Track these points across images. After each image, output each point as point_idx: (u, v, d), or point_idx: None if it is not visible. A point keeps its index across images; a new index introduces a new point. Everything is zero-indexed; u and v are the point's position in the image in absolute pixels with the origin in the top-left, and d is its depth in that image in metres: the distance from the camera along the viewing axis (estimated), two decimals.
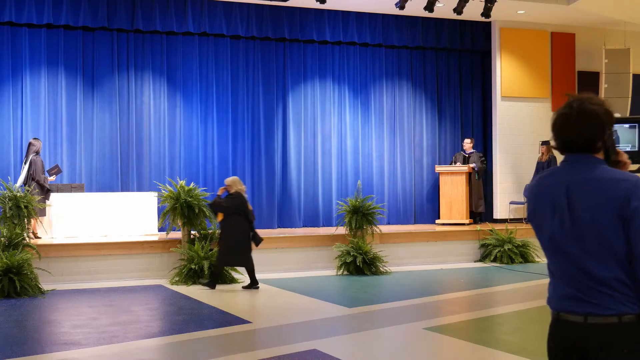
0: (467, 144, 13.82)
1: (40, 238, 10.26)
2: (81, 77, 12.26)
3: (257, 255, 10.63)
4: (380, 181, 14.05)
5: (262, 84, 13.32)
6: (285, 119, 13.48)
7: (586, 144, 2.43)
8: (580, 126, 2.42)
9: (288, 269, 10.83)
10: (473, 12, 12.71)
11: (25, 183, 10.33)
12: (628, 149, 12.70)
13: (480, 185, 13.82)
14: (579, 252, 2.37)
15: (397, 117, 14.28)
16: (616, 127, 3.60)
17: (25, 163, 10.62)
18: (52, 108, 12.10)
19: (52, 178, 10.59)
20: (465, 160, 13.71)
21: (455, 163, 13.82)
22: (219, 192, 9.36)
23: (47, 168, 10.92)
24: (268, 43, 13.37)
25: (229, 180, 9.43)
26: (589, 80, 14.47)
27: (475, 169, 13.55)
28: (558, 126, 2.48)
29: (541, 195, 2.50)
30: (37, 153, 10.61)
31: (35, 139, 10.87)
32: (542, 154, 13.26)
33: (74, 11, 11.96)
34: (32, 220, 10.02)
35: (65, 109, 12.15)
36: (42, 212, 10.27)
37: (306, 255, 11.04)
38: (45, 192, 10.44)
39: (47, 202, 10.46)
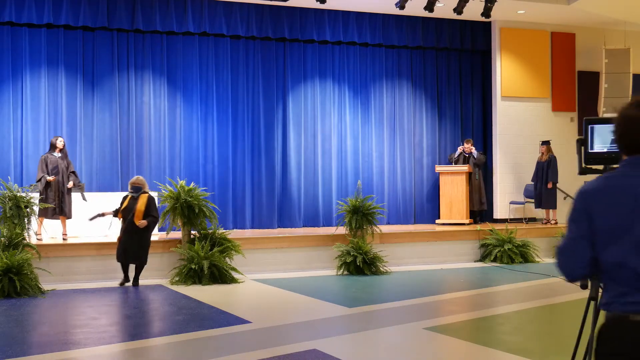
0: (468, 148, 13.78)
1: (40, 240, 10.19)
2: (81, 77, 12.27)
3: (258, 255, 10.66)
4: (380, 181, 14.06)
5: (262, 84, 13.32)
6: (285, 119, 13.48)
7: None
8: None
9: (288, 269, 10.83)
10: (473, 12, 12.71)
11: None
12: None
13: (481, 183, 13.83)
14: None
15: (397, 117, 14.29)
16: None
17: None
18: (52, 108, 12.10)
19: (51, 179, 10.39)
20: (465, 160, 13.71)
21: (455, 161, 13.79)
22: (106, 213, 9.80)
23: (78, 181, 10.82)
24: (268, 43, 13.37)
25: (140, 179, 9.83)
26: (589, 80, 14.48)
27: (476, 159, 13.53)
28: (632, 127, 2.48)
29: (613, 197, 2.48)
30: (53, 151, 10.50)
31: (54, 137, 10.75)
32: (542, 154, 13.26)
33: (74, 11, 11.96)
34: (38, 221, 10.04)
35: (65, 109, 12.15)
36: (40, 213, 10.12)
37: (306, 255, 11.04)
38: (44, 191, 10.23)
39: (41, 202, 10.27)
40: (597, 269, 2.56)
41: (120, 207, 9.61)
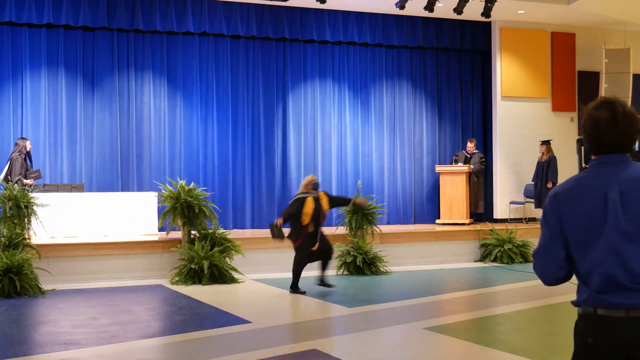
0: (470, 147, 13.77)
1: (29, 238, 10.17)
2: (81, 77, 12.27)
3: (258, 255, 10.66)
4: (380, 181, 14.06)
5: (262, 84, 13.32)
6: (285, 119, 13.48)
7: (629, 145, 2.51)
8: (628, 128, 2.50)
9: (288, 269, 10.77)
10: (473, 12, 12.71)
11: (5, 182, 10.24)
12: None
13: (480, 186, 13.82)
14: (628, 249, 2.41)
15: (397, 117, 14.28)
16: None
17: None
18: (52, 108, 12.10)
19: (29, 181, 10.45)
20: (467, 160, 13.72)
21: (456, 162, 13.81)
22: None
23: (33, 169, 10.80)
24: (268, 43, 13.37)
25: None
26: (589, 80, 14.48)
27: (474, 170, 13.54)
28: (603, 127, 2.50)
29: (583, 199, 2.50)
30: (21, 153, 10.56)
31: (21, 138, 10.82)
32: (542, 153, 13.26)
33: (74, 11, 11.96)
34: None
35: (65, 109, 12.15)
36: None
37: None
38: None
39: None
40: (572, 272, 2.58)
41: (300, 211, 8.65)
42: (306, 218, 8.67)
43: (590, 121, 2.53)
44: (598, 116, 2.51)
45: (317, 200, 8.80)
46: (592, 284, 2.46)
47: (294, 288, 8.84)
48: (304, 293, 8.75)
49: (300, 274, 8.91)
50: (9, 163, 10.55)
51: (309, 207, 8.69)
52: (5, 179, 10.31)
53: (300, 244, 8.78)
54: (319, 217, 8.79)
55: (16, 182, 10.21)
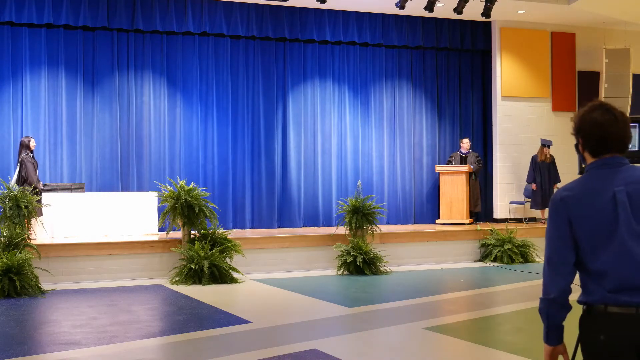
0: (466, 144, 13.81)
1: (35, 239, 10.20)
2: (81, 77, 12.27)
3: (258, 255, 10.66)
4: (380, 181, 14.06)
5: (262, 84, 13.32)
6: (285, 119, 13.48)
7: (627, 147, 2.57)
8: (627, 130, 2.56)
9: (288, 269, 10.83)
10: (473, 12, 12.72)
11: (18, 184, 10.25)
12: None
13: (477, 185, 13.83)
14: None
15: (397, 117, 14.29)
16: None
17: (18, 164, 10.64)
18: (52, 108, 12.10)
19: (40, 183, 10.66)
20: (463, 160, 13.72)
21: (451, 163, 13.81)
22: None
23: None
24: (268, 43, 13.38)
25: None
26: (589, 80, 14.48)
27: (474, 169, 13.55)
28: (607, 128, 2.53)
29: (595, 198, 2.51)
30: (29, 152, 10.58)
31: (26, 137, 10.84)
32: (546, 155, 13.25)
33: (74, 11, 11.97)
34: (31, 220, 10.02)
35: (65, 109, 12.15)
36: (39, 212, 10.21)
37: (306, 255, 11.04)
38: (39, 193, 10.32)
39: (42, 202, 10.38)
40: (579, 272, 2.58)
41: None
42: None
43: (592, 123, 2.55)
44: (600, 118, 2.54)
45: None
46: (605, 285, 2.46)
47: None
48: None
49: None
50: (19, 165, 10.54)
51: None
52: (20, 181, 10.33)
53: None
54: None
55: (37, 183, 10.29)
